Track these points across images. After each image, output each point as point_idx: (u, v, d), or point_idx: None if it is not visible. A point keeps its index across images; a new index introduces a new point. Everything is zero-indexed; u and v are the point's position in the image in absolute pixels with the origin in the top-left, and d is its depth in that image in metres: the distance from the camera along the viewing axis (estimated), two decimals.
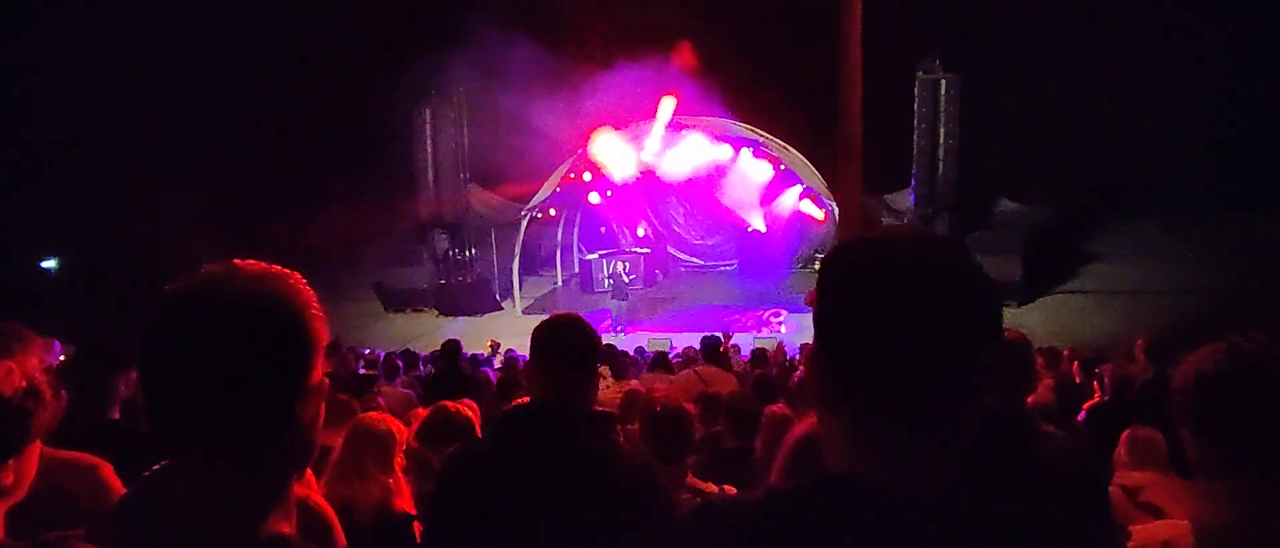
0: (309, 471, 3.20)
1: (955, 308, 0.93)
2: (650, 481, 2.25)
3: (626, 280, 19.05)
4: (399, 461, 3.24)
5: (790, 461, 2.04)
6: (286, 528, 1.05)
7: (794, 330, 15.54)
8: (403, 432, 3.36)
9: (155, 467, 1.19)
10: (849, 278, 0.97)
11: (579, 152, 18.29)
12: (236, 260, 1.06)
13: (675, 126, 18.36)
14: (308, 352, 1.05)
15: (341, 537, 2.17)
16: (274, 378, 1.02)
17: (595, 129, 17.72)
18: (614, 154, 18.36)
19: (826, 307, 0.98)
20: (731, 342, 11.91)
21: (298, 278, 1.08)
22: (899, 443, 0.94)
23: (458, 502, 2.22)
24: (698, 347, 8.48)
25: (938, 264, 0.95)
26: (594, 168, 18.79)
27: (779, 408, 4.03)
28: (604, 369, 8.46)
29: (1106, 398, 5.66)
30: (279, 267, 1.08)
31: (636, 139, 18.54)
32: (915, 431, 0.94)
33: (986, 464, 1.98)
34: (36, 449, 1.23)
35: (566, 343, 2.26)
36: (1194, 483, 1.44)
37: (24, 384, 1.17)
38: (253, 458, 1.02)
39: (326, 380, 1.09)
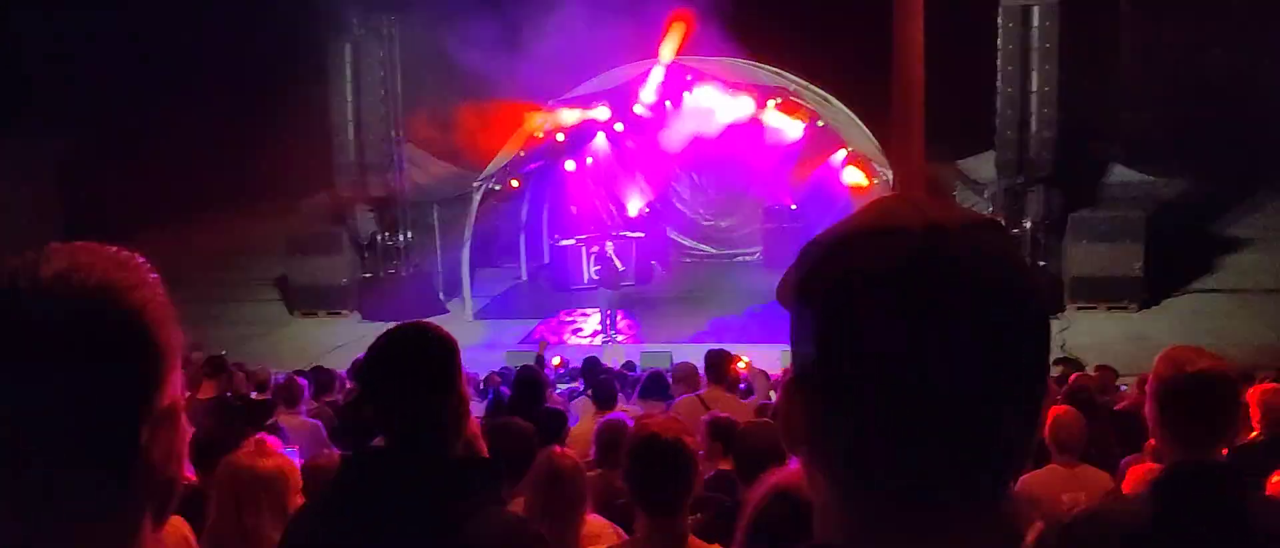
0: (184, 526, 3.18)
1: (999, 329, 0.90)
2: None
3: (620, 268, 18.72)
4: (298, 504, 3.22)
5: (755, 523, 2.11)
6: None
7: None
8: (295, 471, 3.37)
9: None
10: (848, 284, 0.93)
11: (548, 104, 18.29)
12: (52, 245, 1.05)
13: (679, 70, 18.36)
14: (152, 362, 1.06)
15: None
16: (107, 400, 1.02)
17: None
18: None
19: (814, 324, 0.94)
20: (747, 361, 11.84)
21: (137, 261, 1.09)
22: (909, 519, 0.93)
23: None
24: (702, 366, 8.47)
25: (975, 266, 0.91)
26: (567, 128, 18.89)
27: None
28: (589, 397, 8.46)
29: (1258, 434, 5.61)
30: (112, 247, 1.08)
31: (622, 87, 18.54)
32: (931, 505, 0.93)
33: (1189, 529, 2.13)
34: None
35: (414, 362, 2.23)
36: None
37: None
38: (93, 505, 1.03)
39: (181, 401, 1.10)
